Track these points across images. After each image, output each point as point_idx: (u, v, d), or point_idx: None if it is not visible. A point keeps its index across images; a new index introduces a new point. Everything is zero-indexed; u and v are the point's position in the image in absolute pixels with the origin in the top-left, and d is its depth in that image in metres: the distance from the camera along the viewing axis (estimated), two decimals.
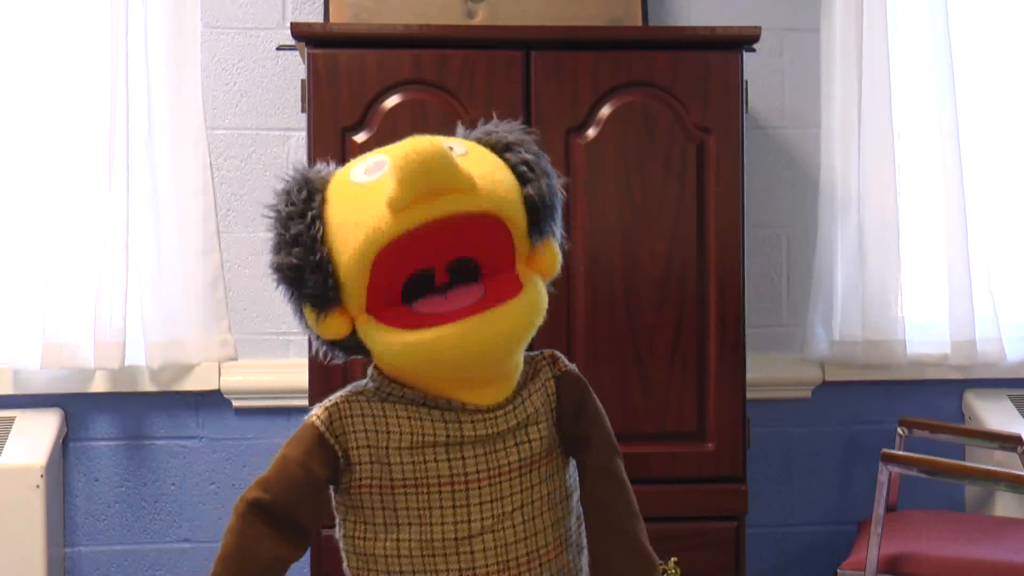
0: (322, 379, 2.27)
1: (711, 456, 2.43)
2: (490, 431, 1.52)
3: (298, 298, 1.51)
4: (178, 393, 2.93)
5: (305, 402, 2.40)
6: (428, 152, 1.41)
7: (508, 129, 1.58)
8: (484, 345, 1.46)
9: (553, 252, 1.55)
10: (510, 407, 1.54)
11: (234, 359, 2.89)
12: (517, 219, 1.51)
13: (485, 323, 1.45)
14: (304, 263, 1.47)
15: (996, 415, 2.96)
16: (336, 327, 1.51)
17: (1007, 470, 2.44)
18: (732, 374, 2.43)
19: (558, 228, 1.57)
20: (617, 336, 2.42)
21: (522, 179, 1.52)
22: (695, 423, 2.43)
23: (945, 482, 2.94)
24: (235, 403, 2.95)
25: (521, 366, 1.58)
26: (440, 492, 1.50)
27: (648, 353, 2.42)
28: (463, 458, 1.51)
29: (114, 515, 2.94)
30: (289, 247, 1.48)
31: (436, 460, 1.50)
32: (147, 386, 2.89)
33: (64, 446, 2.90)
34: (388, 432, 1.50)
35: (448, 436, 1.50)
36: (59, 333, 2.77)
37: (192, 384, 2.91)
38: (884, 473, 2.37)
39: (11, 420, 2.81)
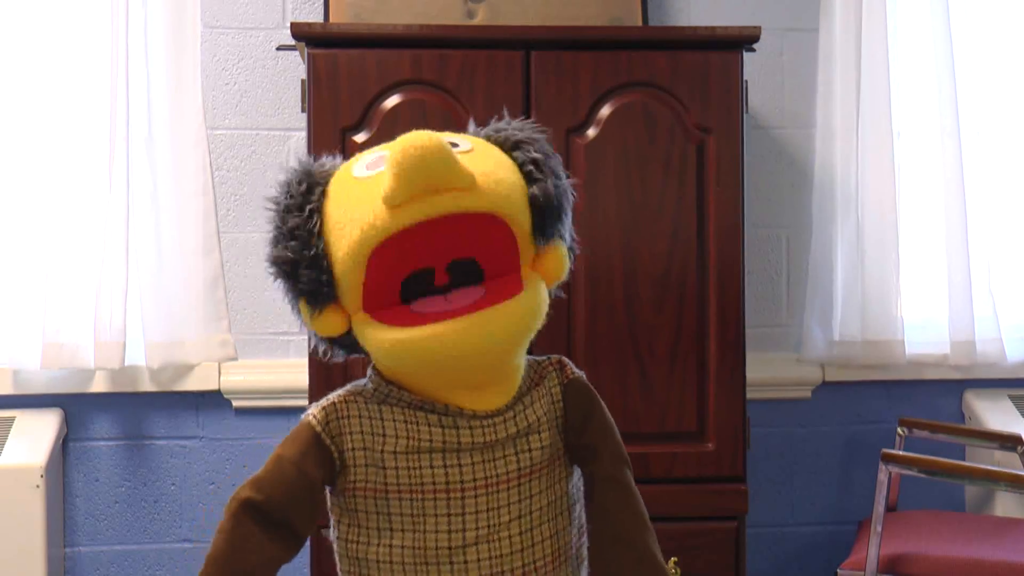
0: (322, 379, 2.27)
1: (711, 456, 2.43)
2: (488, 438, 1.47)
3: (293, 292, 1.47)
4: (178, 393, 2.93)
5: (305, 402, 2.40)
6: (426, 147, 1.36)
7: (519, 127, 1.53)
8: (477, 345, 1.40)
9: (560, 255, 1.50)
10: (510, 414, 1.49)
11: (234, 359, 2.89)
12: (521, 220, 1.46)
13: (480, 322, 1.39)
14: (299, 257, 1.43)
15: (996, 415, 2.96)
16: (331, 324, 1.47)
17: (1007, 470, 2.44)
18: (732, 374, 2.43)
19: (567, 230, 1.52)
20: (617, 336, 2.42)
21: (529, 178, 1.47)
22: (695, 423, 2.43)
23: (945, 482, 2.94)
24: (235, 403, 2.95)
25: (522, 371, 1.53)
26: (435, 499, 1.46)
27: (648, 353, 2.42)
28: (459, 465, 1.46)
29: (114, 515, 2.94)
30: (286, 240, 1.45)
31: (432, 466, 1.46)
32: (147, 386, 2.89)
33: (64, 446, 2.90)
34: (384, 435, 1.47)
35: (444, 442, 1.46)
36: (59, 333, 2.78)
37: (192, 384, 2.91)
38: (884, 473, 2.37)
39: (11, 420, 2.81)
